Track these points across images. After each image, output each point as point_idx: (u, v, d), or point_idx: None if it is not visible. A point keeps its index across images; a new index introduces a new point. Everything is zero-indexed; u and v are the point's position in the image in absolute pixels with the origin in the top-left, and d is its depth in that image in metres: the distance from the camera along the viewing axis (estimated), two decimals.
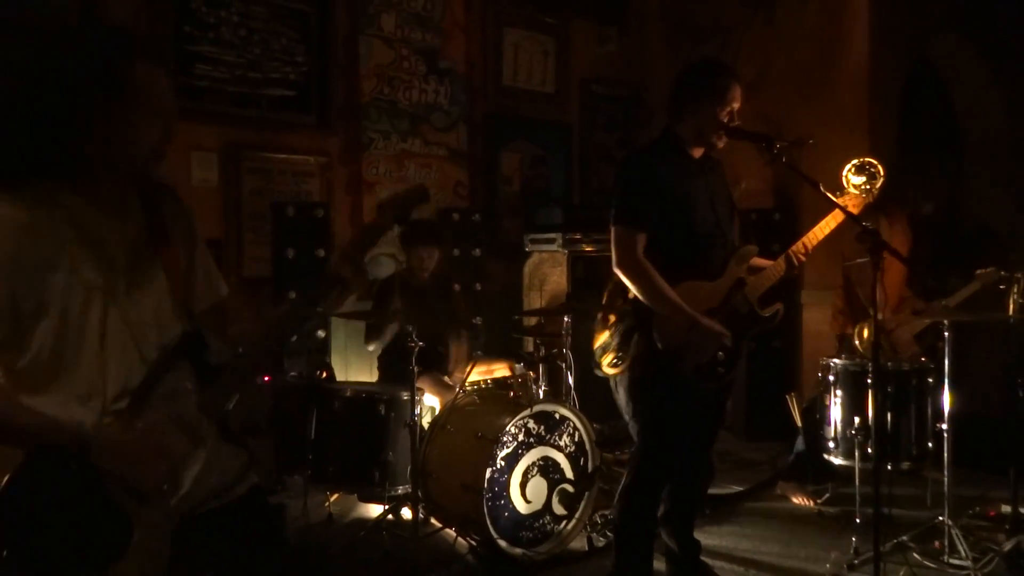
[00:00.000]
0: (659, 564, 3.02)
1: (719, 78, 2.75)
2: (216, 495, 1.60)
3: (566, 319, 3.87)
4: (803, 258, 2.85)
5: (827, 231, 2.85)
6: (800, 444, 4.09)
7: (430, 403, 3.87)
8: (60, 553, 1.40)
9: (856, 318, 4.00)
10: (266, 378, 3.83)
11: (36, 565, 1.39)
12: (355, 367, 4.68)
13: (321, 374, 3.94)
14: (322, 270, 4.17)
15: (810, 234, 2.85)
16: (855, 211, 2.78)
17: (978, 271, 3.71)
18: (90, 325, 1.48)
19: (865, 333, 3.92)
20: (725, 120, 2.73)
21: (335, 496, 3.84)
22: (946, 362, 3.26)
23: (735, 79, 2.76)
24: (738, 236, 2.93)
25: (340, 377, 4.38)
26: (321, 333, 4.31)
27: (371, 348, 4.09)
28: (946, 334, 3.26)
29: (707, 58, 3.00)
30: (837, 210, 2.76)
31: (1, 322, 1.42)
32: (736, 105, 2.75)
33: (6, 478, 1.40)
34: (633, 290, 2.67)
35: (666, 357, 2.66)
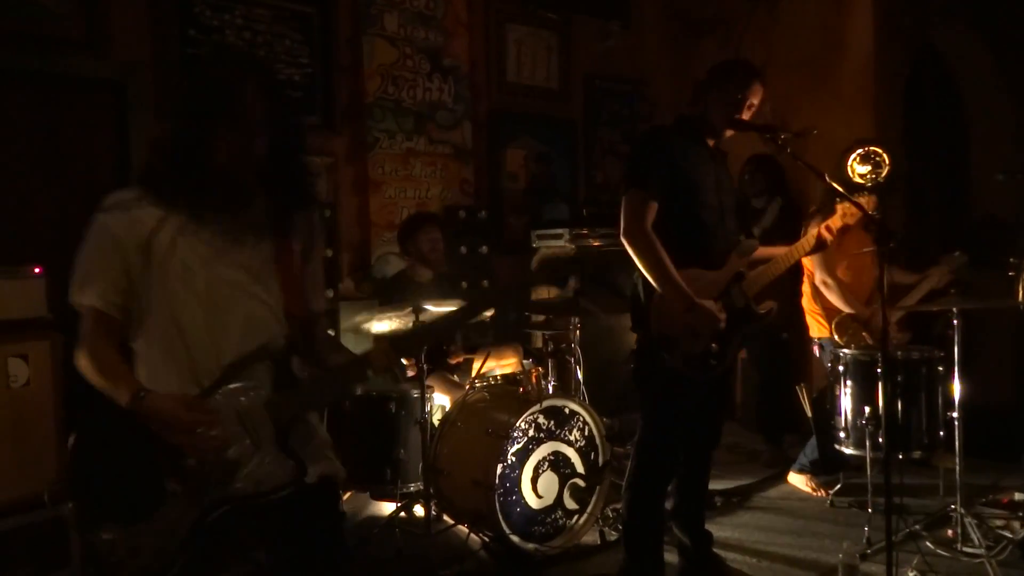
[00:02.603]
0: (672, 557, 3.03)
1: (744, 73, 2.82)
2: (259, 496, 1.66)
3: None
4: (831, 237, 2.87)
5: (839, 226, 2.87)
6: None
7: (440, 402, 3.88)
8: (103, 500, 1.60)
9: (830, 314, 3.95)
10: None
11: (87, 507, 1.61)
12: None
13: None
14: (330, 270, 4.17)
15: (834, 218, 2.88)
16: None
17: (942, 256, 3.68)
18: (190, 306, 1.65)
19: (838, 335, 3.88)
20: (740, 115, 2.77)
21: (348, 494, 3.86)
22: (955, 350, 3.26)
23: (759, 79, 2.82)
24: (740, 230, 2.95)
25: None
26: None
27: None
28: (955, 322, 3.25)
29: (735, 60, 3.08)
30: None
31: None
32: (755, 100, 2.81)
33: (73, 437, 1.63)
34: (636, 261, 2.67)
35: (659, 345, 2.67)
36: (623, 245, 2.69)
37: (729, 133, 2.83)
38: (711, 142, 2.85)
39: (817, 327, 4.04)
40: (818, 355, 4.14)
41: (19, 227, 3.64)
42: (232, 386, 1.63)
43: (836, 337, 3.85)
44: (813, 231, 2.92)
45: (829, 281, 3.79)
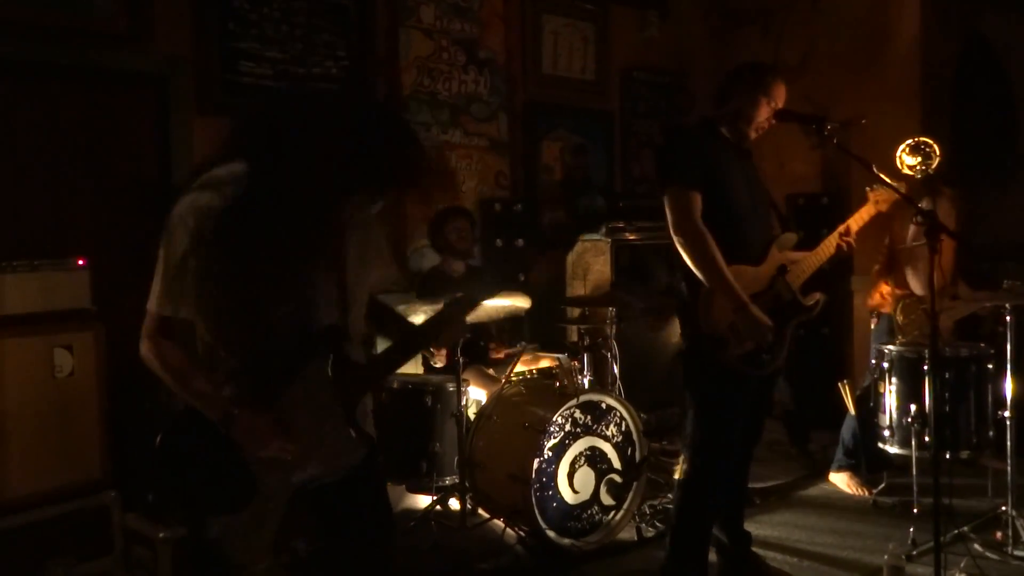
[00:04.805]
0: (710, 556, 2.98)
1: (766, 75, 2.77)
2: (335, 476, 1.74)
3: (610, 308, 3.85)
4: (852, 243, 2.79)
5: (872, 214, 2.80)
6: (846, 430, 4.00)
7: (475, 396, 3.87)
8: (193, 497, 1.65)
9: (899, 284, 3.86)
10: None
11: (173, 505, 1.69)
12: None
13: None
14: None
15: (855, 217, 2.81)
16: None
17: (1006, 282, 3.54)
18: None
19: (901, 315, 3.79)
20: (764, 116, 2.72)
21: None
22: (1008, 347, 3.16)
23: (781, 78, 2.77)
24: (776, 225, 2.90)
25: None
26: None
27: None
28: (1007, 319, 3.15)
29: (756, 61, 3.03)
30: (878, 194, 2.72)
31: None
32: (779, 103, 2.76)
33: (160, 436, 1.65)
34: (686, 258, 2.61)
35: (711, 343, 2.63)
36: (673, 242, 2.64)
37: (756, 135, 2.79)
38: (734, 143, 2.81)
39: (880, 300, 3.97)
40: (872, 327, 4.05)
41: (62, 220, 3.70)
42: (302, 376, 1.68)
43: (897, 316, 3.77)
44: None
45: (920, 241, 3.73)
